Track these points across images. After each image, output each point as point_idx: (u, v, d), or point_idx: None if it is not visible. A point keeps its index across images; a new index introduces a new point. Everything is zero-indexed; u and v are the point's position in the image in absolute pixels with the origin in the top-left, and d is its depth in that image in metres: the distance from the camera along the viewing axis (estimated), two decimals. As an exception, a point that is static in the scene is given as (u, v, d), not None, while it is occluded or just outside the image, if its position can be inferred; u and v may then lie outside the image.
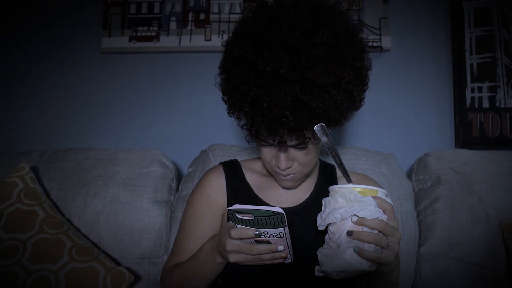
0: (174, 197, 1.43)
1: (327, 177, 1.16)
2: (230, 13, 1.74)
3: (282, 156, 0.93)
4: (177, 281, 1.02)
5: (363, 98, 0.95)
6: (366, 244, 0.78)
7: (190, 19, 1.75)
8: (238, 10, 1.74)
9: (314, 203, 1.08)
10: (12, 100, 1.78)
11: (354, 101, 0.90)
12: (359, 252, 0.78)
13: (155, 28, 1.75)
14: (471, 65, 1.64)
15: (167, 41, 1.74)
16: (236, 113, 0.90)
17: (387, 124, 1.69)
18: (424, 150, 1.50)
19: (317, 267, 0.84)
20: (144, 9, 1.77)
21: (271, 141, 0.89)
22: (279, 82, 0.80)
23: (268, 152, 0.96)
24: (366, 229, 0.79)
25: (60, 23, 1.80)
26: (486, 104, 1.63)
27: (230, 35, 0.93)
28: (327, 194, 1.10)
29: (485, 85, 1.63)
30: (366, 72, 0.93)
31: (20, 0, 1.81)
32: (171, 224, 1.37)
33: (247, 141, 0.93)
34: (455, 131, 1.66)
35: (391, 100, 1.69)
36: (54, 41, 1.79)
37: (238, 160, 1.21)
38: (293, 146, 0.92)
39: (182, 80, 1.75)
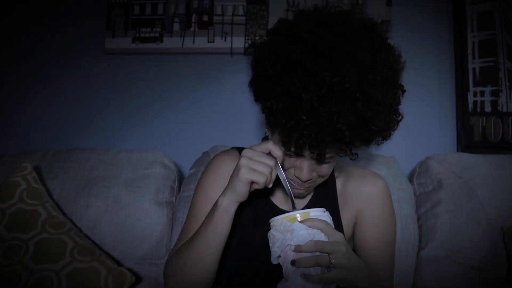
0: (175, 198, 1.44)
1: (326, 180, 1.15)
2: (233, 15, 1.75)
3: (306, 167, 0.90)
4: (185, 258, 0.95)
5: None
6: (312, 269, 0.79)
7: (193, 20, 1.76)
8: (241, 12, 1.75)
9: (312, 206, 1.07)
10: (16, 100, 1.79)
11: (395, 125, 0.89)
12: (306, 279, 0.78)
13: (158, 29, 1.76)
14: (474, 69, 1.65)
15: (170, 42, 1.75)
16: (283, 122, 0.82)
17: (389, 127, 1.69)
18: (426, 154, 1.50)
19: None
20: (148, 10, 1.78)
21: (306, 152, 0.86)
22: (341, 95, 0.77)
23: (289, 162, 0.92)
24: (305, 254, 0.79)
25: (63, 24, 1.81)
26: (488, 108, 1.63)
27: (272, 32, 0.89)
28: (324, 191, 1.10)
29: (488, 89, 1.63)
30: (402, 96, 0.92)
31: (23, 1, 1.81)
32: (172, 225, 1.37)
33: (285, 151, 0.88)
34: (457, 135, 1.66)
35: (393, 103, 1.69)
36: (57, 42, 1.80)
37: None
38: (321, 159, 0.89)
39: (185, 82, 1.76)
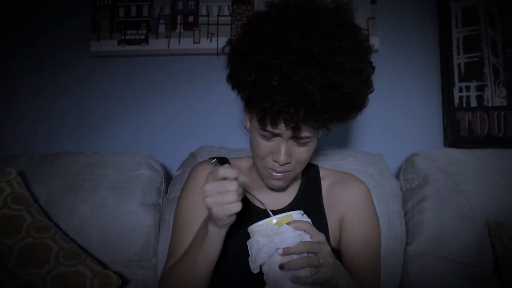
0: (163, 200, 1.43)
1: (311, 177, 1.16)
2: (218, 15, 1.75)
3: (283, 149, 0.92)
4: (178, 275, 0.97)
5: (368, 100, 0.97)
6: (301, 271, 0.79)
7: (179, 22, 1.76)
8: (226, 12, 1.75)
9: (298, 206, 1.08)
10: (1, 104, 1.78)
11: (366, 96, 0.93)
12: (298, 281, 0.78)
13: (144, 31, 1.76)
14: (459, 64, 1.65)
15: (156, 44, 1.75)
16: (256, 91, 0.86)
17: (376, 125, 1.69)
18: (413, 150, 1.50)
19: None
20: (133, 13, 1.78)
21: (282, 127, 0.88)
22: (310, 61, 0.82)
23: (266, 147, 0.94)
24: (294, 256, 0.79)
25: (49, 27, 1.80)
26: (474, 103, 1.64)
27: (247, 20, 0.94)
28: (311, 194, 1.11)
29: (473, 84, 1.64)
30: (372, 73, 0.96)
31: (7, 5, 1.81)
32: (159, 227, 1.37)
33: (258, 125, 0.91)
34: (443, 131, 1.67)
35: (380, 101, 1.69)
36: (43, 45, 1.79)
37: (228, 158, 1.21)
38: (297, 139, 0.92)
39: (171, 83, 1.76)
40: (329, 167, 1.30)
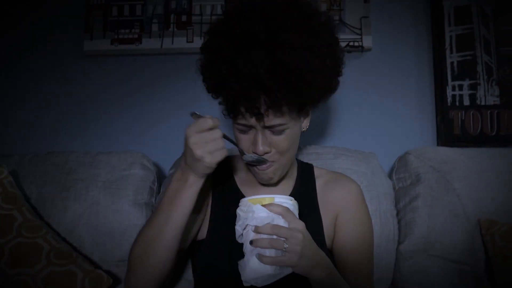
0: (155, 199, 1.43)
1: (306, 177, 1.16)
2: (211, 14, 1.75)
3: (259, 139, 0.94)
4: (142, 238, 0.94)
5: (338, 82, 0.99)
6: (267, 250, 0.82)
7: (172, 21, 1.75)
8: (219, 11, 1.75)
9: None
10: (-7, 103, 1.78)
11: (328, 75, 0.93)
12: (259, 259, 0.82)
13: (137, 31, 1.75)
14: (452, 63, 1.65)
15: (149, 43, 1.74)
16: (212, 84, 0.93)
17: (369, 123, 1.70)
18: (406, 149, 1.50)
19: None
20: (126, 12, 1.77)
21: (249, 117, 0.90)
22: (254, 44, 0.85)
23: (246, 140, 0.96)
24: (264, 236, 0.83)
25: (41, 26, 1.79)
26: (467, 102, 1.64)
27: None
28: (306, 194, 1.12)
29: (466, 83, 1.64)
30: (341, 54, 0.97)
31: (0, 4, 1.80)
32: (152, 226, 1.37)
33: (224, 116, 0.95)
34: (436, 129, 1.67)
35: (373, 99, 1.70)
36: (35, 44, 1.79)
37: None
38: (270, 128, 0.93)
39: (164, 82, 1.75)
40: (322, 166, 1.30)
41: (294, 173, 1.16)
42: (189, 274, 1.21)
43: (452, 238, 1.26)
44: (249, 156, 0.96)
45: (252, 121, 0.91)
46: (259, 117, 0.90)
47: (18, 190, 1.29)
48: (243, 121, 0.93)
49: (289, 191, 1.12)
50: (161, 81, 1.75)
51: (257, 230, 0.83)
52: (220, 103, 0.97)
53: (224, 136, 0.88)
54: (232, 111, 0.92)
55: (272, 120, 0.91)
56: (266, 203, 0.85)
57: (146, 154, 1.49)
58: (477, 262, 1.24)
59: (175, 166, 1.46)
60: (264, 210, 0.84)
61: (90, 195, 1.34)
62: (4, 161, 1.40)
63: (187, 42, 1.73)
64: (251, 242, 0.83)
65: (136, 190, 1.38)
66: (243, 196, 1.08)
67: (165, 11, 1.76)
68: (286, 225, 0.84)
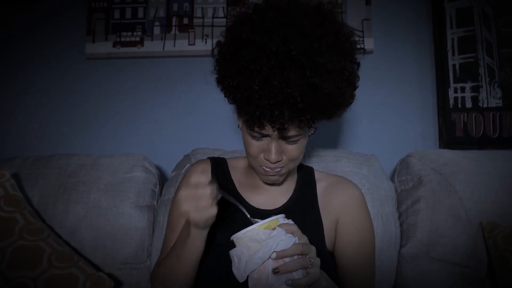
0: (157, 202, 1.43)
1: (306, 180, 1.16)
2: (213, 17, 1.75)
3: (274, 148, 0.94)
4: (163, 271, 1.01)
5: (354, 96, 0.99)
6: (294, 273, 0.79)
7: (173, 23, 1.76)
8: (221, 14, 1.75)
9: (293, 207, 1.08)
10: (-5, 107, 1.79)
11: (351, 94, 0.94)
12: (292, 284, 0.79)
13: (139, 33, 1.76)
14: (454, 65, 1.65)
15: (151, 46, 1.75)
16: (239, 96, 0.89)
17: (371, 126, 1.69)
18: (408, 151, 1.50)
19: None
20: (128, 15, 1.78)
21: (269, 128, 0.90)
22: (289, 64, 0.83)
23: (257, 146, 0.96)
24: (287, 259, 0.80)
25: (44, 29, 1.80)
26: (469, 104, 1.63)
27: (231, 23, 0.95)
28: (306, 197, 1.11)
29: (468, 85, 1.64)
30: (358, 70, 0.97)
31: (2, 7, 1.81)
32: (153, 229, 1.37)
33: (246, 126, 0.93)
34: (438, 132, 1.67)
35: (374, 102, 1.70)
36: (37, 47, 1.80)
37: (225, 158, 1.23)
38: (287, 138, 0.93)
39: (166, 85, 1.76)
40: (323, 169, 1.30)
41: (294, 176, 1.16)
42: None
43: (454, 241, 1.25)
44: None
45: (270, 130, 0.91)
46: (281, 130, 0.89)
47: (20, 193, 1.29)
48: (260, 130, 0.92)
49: (290, 194, 1.12)
50: (163, 84, 1.76)
51: (282, 254, 0.80)
52: (239, 112, 0.96)
53: (223, 195, 0.88)
54: (256, 124, 0.90)
55: (290, 131, 0.91)
56: (276, 225, 0.83)
57: (148, 156, 1.49)
58: (479, 265, 1.23)
59: (177, 169, 1.46)
60: (283, 232, 0.81)
61: (91, 198, 1.34)
62: (6, 164, 1.41)
63: (189, 44, 1.73)
64: (275, 271, 0.79)
65: (138, 193, 1.38)
66: (243, 200, 1.08)
67: (167, 14, 1.76)
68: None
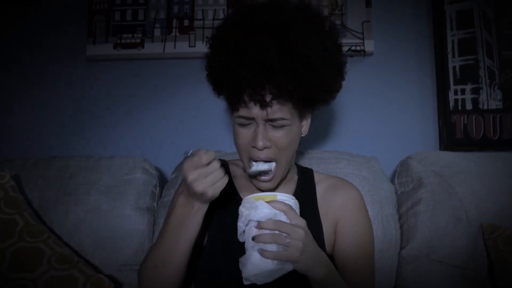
0: (157, 204, 1.43)
1: (306, 181, 1.16)
2: (214, 19, 1.75)
3: (260, 133, 0.95)
4: (153, 260, 0.98)
5: (341, 85, 1.02)
6: (268, 245, 0.84)
7: (174, 25, 1.76)
8: (222, 16, 1.75)
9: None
10: (-4, 108, 1.79)
11: (333, 70, 0.96)
12: (261, 253, 0.83)
13: (140, 35, 1.76)
14: (454, 67, 1.65)
15: (151, 47, 1.75)
16: (218, 70, 0.95)
17: (371, 127, 1.69)
18: (408, 153, 1.50)
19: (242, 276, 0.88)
20: (129, 17, 1.78)
21: (252, 106, 0.92)
22: (265, 31, 0.89)
23: (245, 135, 0.97)
24: (266, 231, 0.84)
25: (44, 30, 1.80)
26: (469, 106, 1.64)
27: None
28: (306, 199, 1.12)
29: (468, 87, 1.64)
30: (344, 58, 1.01)
31: (3, 9, 1.81)
32: (153, 231, 1.37)
33: (228, 108, 0.99)
34: (439, 133, 1.67)
35: (375, 104, 1.70)
36: (38, 49, 1.80)
37: (226, 160, 1.23)
38: (272, 121, 0.94)
39: (167, 87, 1.76)
40: (323, 170, 1.30)
41: (294, 178, 1.16)
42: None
43: (454, 243, 1.25)
44: (253, 171, 0.99)
45: (255, 112, 0.92)
46: (263, 105, 0.90)
47: (20, 194, 1.29)
48: (244, 112, 0.93)
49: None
50: (163, 86, 1.76)
51: (259, 225, 0.85)
52: (220, 95, 1.00)
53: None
54: (235, 100, 0.93)
55: (275, 112, 0.92)
56: (269, 200, 0.87)
57: (148, 158, 1.49)
58: (479, 266, 1.23)
59: (177, 171, 1.46)
60: (267, 206, 0.86)
61: (91, 199, 1.35)
62: (7, 165, 1.41)
63: (189, 46, 1.73)
64: (253, 238, 0.85)
65: (137, 194, 1.38)
66: (238, 195, 1.09)
67: (168, 16, 1.77)
68: (288, 221, 0.86)
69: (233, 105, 0.95)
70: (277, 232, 0.84)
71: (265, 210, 0.85)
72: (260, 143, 0.94)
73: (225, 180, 0.88)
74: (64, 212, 1.33)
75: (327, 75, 0.94)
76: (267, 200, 0.87)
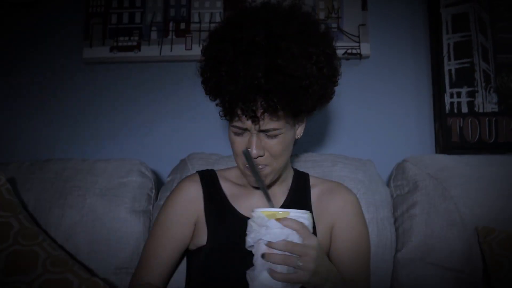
0: (153, 207, 1.43)
1: (300, 185, 1.16)
2: (210, 22, 1.76)
3: (253, 142, 0.95)
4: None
5: (334, 92, 1.03)
6: (279, 266, 0.81)
7: (170, 28, 1.76)
8: (218, 19, 1.76)
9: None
10: (-8, 111, 1.79)
11: (324, 83, 0.95)
12: (271, 274, 0.81)
13: (136, 38, 1.76)
14: (450, 70, 1.66)
15: (148, 50, 1.75)
16: (210, 85, 0.96)
17: (367, 131, 1.70)
18: (404, 156, 1.50)
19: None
20: (125, 19, 1.78)
21: (245, 120, 0.92)
22: (255, 49, 0.89)
23: (239, 142, 0.98)
24: (275, 251, 0.81)
25: (41, 33, 1.81)
26: (465, 109, 1.64)
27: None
28: (299, 201, 1.12)
29: (464, 90, 1.64)
30: (337, 65, 1.01)
31: (0, 11, 1.81)
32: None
33: (221, 117, 0.98)
34: (435, 137, 1.67)
35: (371, 107, 1.70)
36: (35, 51, 1.80)
37: (215, 169, 1.22)
38: (265, 132, 0.95)
39: (163, 89, 1.76)
40: (319, 174, 1.30)
41: (289, 180, 1.16)
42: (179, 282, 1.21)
43: (450, 246, 1.25)
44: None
45: (248, 124, 0.93)
46: (255, 120, 0.91)
47: (16, 197, 1.28)
48: (238, 124, 0.95)
49: (283, 199, 1.13)
50: (159, 89, 1.76)
51: (270, 245, 0.81)
52: (217, 105, 0.99)
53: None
54: (228, 113, 0.94)
55: (268, 124, 0.93)
56: (281, 217, 0.84)
57: (144, 161, 1.49)
58: (475, 270, 1.23)
59: (173, 173, 1.46)
60: (278, 226, 0.82)
61: (87, 202, 1.34)
62: (2, 168, 1.40)
63: (186, 49, 1.74)
64: (263, 256, 0.82)
65: (133, 197, 1.38)
66: (235, 211, 1.09)
67: (164, 19, 1.77)
68: (300, 240, 0.83)
69: (227, 116, 0.96)
70: (287, 253, 0.81)
71: (276, 229, 0.82)
72: (254, 153, 0.95)
73: None
74: (59, 215, 1.32)
75: (318, 90, 0.94)
76: (279, 217, 0.83)
